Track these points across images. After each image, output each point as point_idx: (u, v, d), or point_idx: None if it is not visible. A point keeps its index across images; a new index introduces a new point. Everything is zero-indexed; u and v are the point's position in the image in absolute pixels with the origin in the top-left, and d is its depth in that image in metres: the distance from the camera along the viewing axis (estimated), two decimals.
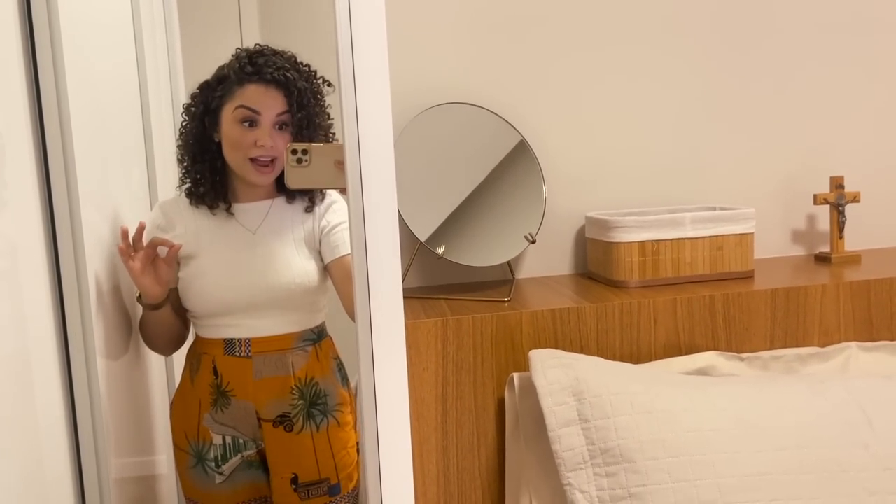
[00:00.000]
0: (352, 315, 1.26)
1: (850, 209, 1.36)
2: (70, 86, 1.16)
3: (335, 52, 0.68)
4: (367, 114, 0.71)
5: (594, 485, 0.92)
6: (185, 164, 1.35)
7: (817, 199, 1.31)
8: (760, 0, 1.33)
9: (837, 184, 1.32)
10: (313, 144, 1.13)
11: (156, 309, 1.29)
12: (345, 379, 1.41)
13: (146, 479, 1.58)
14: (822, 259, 1.34)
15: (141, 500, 1.49)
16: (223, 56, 1.36)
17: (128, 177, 1.56)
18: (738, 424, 0.92)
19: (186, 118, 1.34)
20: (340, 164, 1.11)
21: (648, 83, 1.31)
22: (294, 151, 1.11)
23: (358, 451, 1.41)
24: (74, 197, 1.19)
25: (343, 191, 1.14)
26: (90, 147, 1.25)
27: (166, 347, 1.38)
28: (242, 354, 1.30)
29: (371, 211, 0.72)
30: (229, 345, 1.31)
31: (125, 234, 1.25)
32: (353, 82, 0.71)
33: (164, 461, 1.73)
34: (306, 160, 1.12)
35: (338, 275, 1.31)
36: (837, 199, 1.31)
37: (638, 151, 1.33)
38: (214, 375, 1.32)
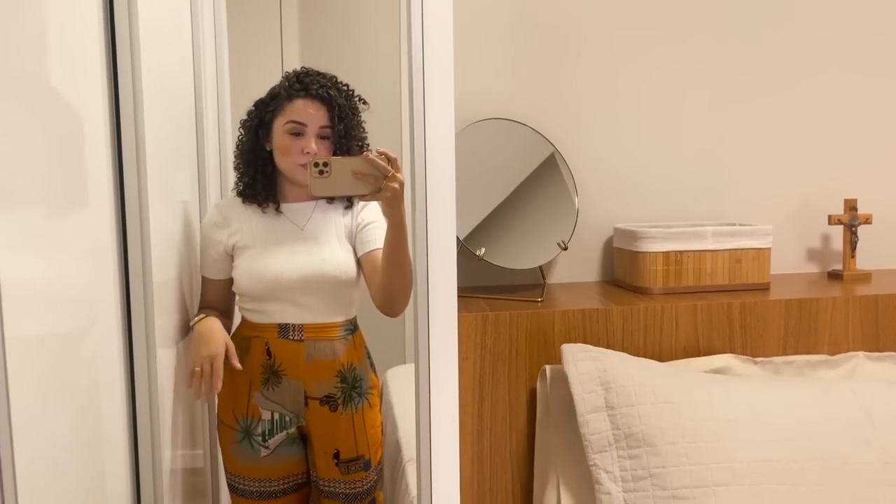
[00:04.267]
0: (378, 304, 1.41)
1: (862, 230, 1.45)
2: (146, 94, 1.28)
3: (406, 83, 0.81)
4: (434, 127, 0.83)
5: (618, 465, 1.01)
6: (240, 169, 1.49)
7: (832, 220, 1.41)
8: (782, 34, 1.43)
9: (851, 206, 1.41)
10: (333, 158, 1.26)
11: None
12: (373, 366, 1.54)
13: (190, 472, 1.68)
14: (834, 276, 1.43)
15: (186, 491, 1.60)
16: (265, 70, 1.50)
17: (183, 178, 1.68)
18: (751, 416, 1.01)
19: (242, 131, 1.49)
20: (356, 175, 1.24)
21: (675, 105, 1.42)
22: (316, 164, 1.24)
23: (381, 430, 1.53)
24: (144, 197, 1.31)
25: (361, 197, 1.26)
26: (157, 149, 1.37)
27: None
28: (296, 338, 1.43)
29: (434, 220, 0.84)
30: (283, 329, 1.43)
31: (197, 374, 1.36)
32: (423, 103, 0.83)
33: (200, 456, 1.83)
34: (327, 171, 1.25)
35: (368, 267, 1.44)
36: (851, 221, 1.40)
37: (665, 169, 1.43)
38: (268, 356, 1.43)
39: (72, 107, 1.03)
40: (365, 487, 1.48)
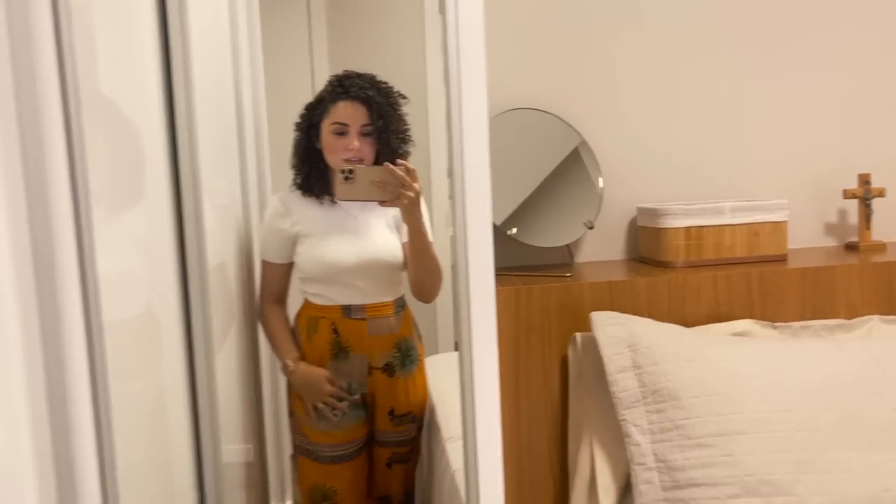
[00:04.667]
0: (413, 291, 1.63)
1: (876, 203, 1.51)
2: (196, 97, 1.39)
3: (431, 79, 0.90)
4: (469, 120, 0.93)
5: (646, 419, 1.10)
6: (296, 166, 1.66)
7: (846, 194, 1.48)
8: (797, 12, 1.50)
9: (865, 180, 1.48)
10: (357, 167, 1.43)
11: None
12: (420, 337, 1.75)
13: (244, 466, 1.80)
14: (850, 248, 1.50)
15: (241, 483, 1.72)
16: (295, 71, 1.61)
17: (223, 185, 1.80)
18: (769, 371, 1.09)
19: (297, 132, 1.66)
20: (378, 183, 1.41)
21: (695, 88, 1.50)
22: (342, 171, 1.41)
23: (426, 390, 1.77)
24: (199, 195, 1.42)
25: (381, 203, 1.44)
26: (208, 148, 1.48)
27: None
28: (358, 317, 1.62)
29: (471, 205, 0.94)
30: (346, 310, 1.61)
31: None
32: (459, 95, 0.93)
33: (251, 450, 1.95)
34: (352, 178, 1.41)
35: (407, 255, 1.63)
36: (865, 194, 1.47)
37: (685, 150, 1.51)
38: (335, 334, 1.61)
39: (131, 116, 1.13)
40: (411, 436, 1.73)
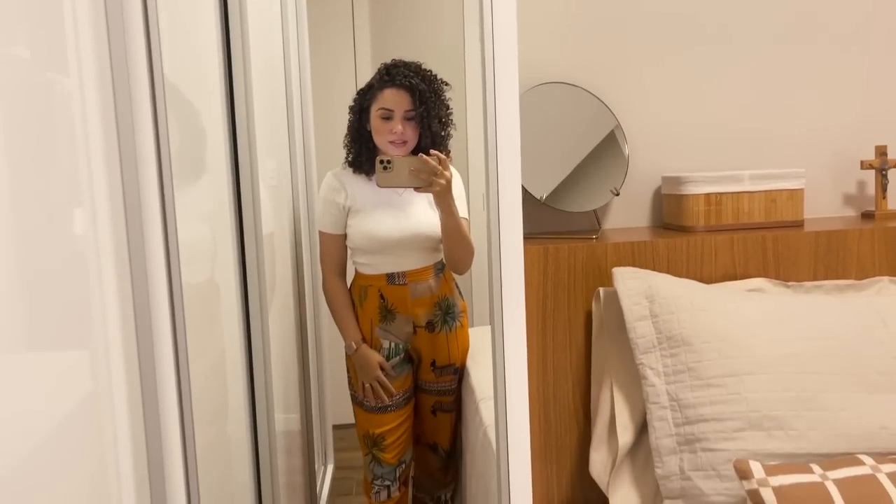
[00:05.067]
0: (447, 263, 1.82)
1: (892, 174, 1.58)
2: (254, 83, 1.52)
3: (481, 56, 1.02)
4: (502, 91, 1.04)
5: (661, 363, 1.20)
6: (348, 145, 1.85)
7: (863, 165, 1.55)
8: None
9: (881, 151, 1.55)
10: (395, 157, 1.64)
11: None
12: (461, 294, 1.94)
13: (292, 434, 1.95)
14: (867, 216, 1.57)
15: (289, 450, 1.87)
16: (339, 60, 1.76)
17: (272, 166, 1.94)
18: (776, 320, 1.18)
19: (351, 115, 1.84)
20: (413, 171, 1.61)
21: (717, 64, 1.58)
22: (381, 161, 1.61)
23: (468, 343, 1.96)
24: (255, 170, 1.55)
25: (416, 189, 1.64)
26: (261, 131, 1.61)
27: None
28: (401, 283, 1.81)
29: (504, 172, 1.05)
30: (390, 277, 1.81)
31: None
32: (493, 66, 1.04)
33: (296, 419, 2.09)
34: (390, 167, 1.61)
35: None
36: (881, 165, 1.54)
37: (708, 123, 1.59)
38: (381, 299, 1.82)
39: (195, 99, 1.24)
40: (452, 386, 1.92)
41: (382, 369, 1.82)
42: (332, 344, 2.82)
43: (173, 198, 0.97)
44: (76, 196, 0.81)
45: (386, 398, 1.82)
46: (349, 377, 1.92)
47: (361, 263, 1.84)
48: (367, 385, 1.82)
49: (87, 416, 0.82)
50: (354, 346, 1.82)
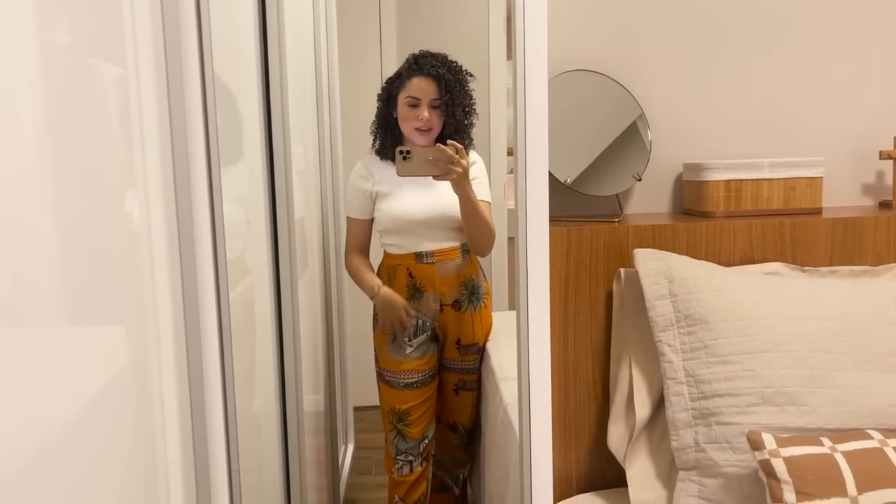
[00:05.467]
0: (469, 243, 1.87)
1: None
2: (290, 85, 1.57)
3: (513, 46, 1.06)
4: (531, 78, 1.09)
5: (679, 340, 1.25)
6: (376, 132, 1.93)
7: (882, 155, 1.58)
8: None
9: None
10: (414, 147, 1.71)
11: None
12: (485, 276, 2.01)
13: (317, 414, 2.02)
14: (884, 205, 1.60)
15: (315, 430, 1.94)
16: (365, 51, 1.83)
17: (299, 152, 2.00)
18: (791, 300, 1.23)
19: (379, 102, 1.92)
20: (431, 160, 1.67)
21: (738, 54, 1.62)
22: (401, 152, 1.67)
23: (491, 323, 2.03)
24: (288, 157, 1.61)
25: (434, 177, 1.70)
26: (295, 122, 1.68)
27: None
28: (429, 262, 1.88)
29: (532, 157, 1.10)
30: (419, 256, 1.88)
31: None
32: (523, 55, 1.08)
33: (321, 400, 2.16)
34: (410, 157, 1.67)
35: None
36: None
37: (728, 113, 1.63)
38: (410, 278, 1.89)
39: (233, 89, 1.30)
40: (475, 365, 1.98)
41: (406, 312, 1.87)
42: (354, 327, 2.89)
43: (220, 181, 1.03)
44: (130, 178, 0.87)
45: (410, 328, 1.87)
46: (377, 357, 1.98)
47: (390, 244, 1.92)
48: (393, 323, 1.87)
49: (138, 384, 0.89)
50: (376, 288, 1.88)
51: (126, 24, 0.88)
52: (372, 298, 1.92)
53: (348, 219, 1.95)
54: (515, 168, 1.16)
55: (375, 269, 2.00)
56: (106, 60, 0.82)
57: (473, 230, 1.82)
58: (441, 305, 1.91)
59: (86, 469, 0.73)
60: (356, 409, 3.18)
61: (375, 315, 1.96)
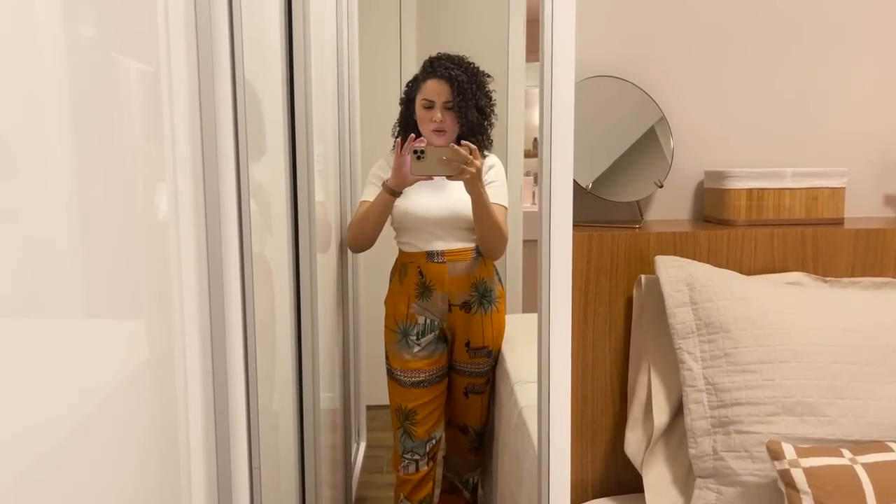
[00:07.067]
0: (481, 244, 1.86)
1: None
2: (314, 82, 1.58)
3: (540, 49, 1.07)
4: (558, 84, 1.09)
5: (699, 348, 1.25)
6: (397, 133, 1.97)
7: None
8: None
9: None
10: (428, 147, 1.71)
11: (394, 195, 1.82)
12: (500, 280, 2.00)
13: (331, 412, 2.03)
14: None
15: (330, 426, 1.95)
16: (385, 54, 1.86)
17: (318, 150, 2.02)
18: (812, 311, 1.23)
19: (400, 105, 1.97)
20: (445, 160, 1.68)
21: (763, 63, 1.62)
22: (415, 151, 1.69)
23: (504, 328, 2.01)
24: (311, 156, 1.62)
25: (447, 177, 1.70)
26: (318, 118, 1.69)
27: (370, 239, 1.92)
28: (440, 261, 1.89)
29: (556, 162, 1.10)
30: (430, 255, 1.89)
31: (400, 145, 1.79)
32: (550, 60, 1.09)
33: (336, 398, 2.17)
34: (423, 157, 1.69)
35: None
36: None
37: (751, 121, 1.63)
38: (420, 276, 1.90)
39: (258, 87, 1.32)
40: (485, 368, 1.97)
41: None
42: (367, 327, 2.90)
43: (248, 178, 1.04)
44: (160, 172, 0.88)
45: (421, 143, 1.75)
46: (386, 354, 1.99)
47: (404, 242, 1.94)
48: (408, 152, 1.74)
49: (164, 376, 0.90)
50: (382, 186, 1.81)
51: (160, 22, 0.89)
52: (388, 186, 1.82)
53: (361, 203, 1.94)
54: (539, 172, 1.16)
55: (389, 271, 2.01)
56: (139, 58, 0.83)
57: (484, 232, 1.82)
58: (449, 305, 1.91)
59: (107, 460, 0.74)
60: (369, 407, 3.19)
61: (387, 314, 1.97)
